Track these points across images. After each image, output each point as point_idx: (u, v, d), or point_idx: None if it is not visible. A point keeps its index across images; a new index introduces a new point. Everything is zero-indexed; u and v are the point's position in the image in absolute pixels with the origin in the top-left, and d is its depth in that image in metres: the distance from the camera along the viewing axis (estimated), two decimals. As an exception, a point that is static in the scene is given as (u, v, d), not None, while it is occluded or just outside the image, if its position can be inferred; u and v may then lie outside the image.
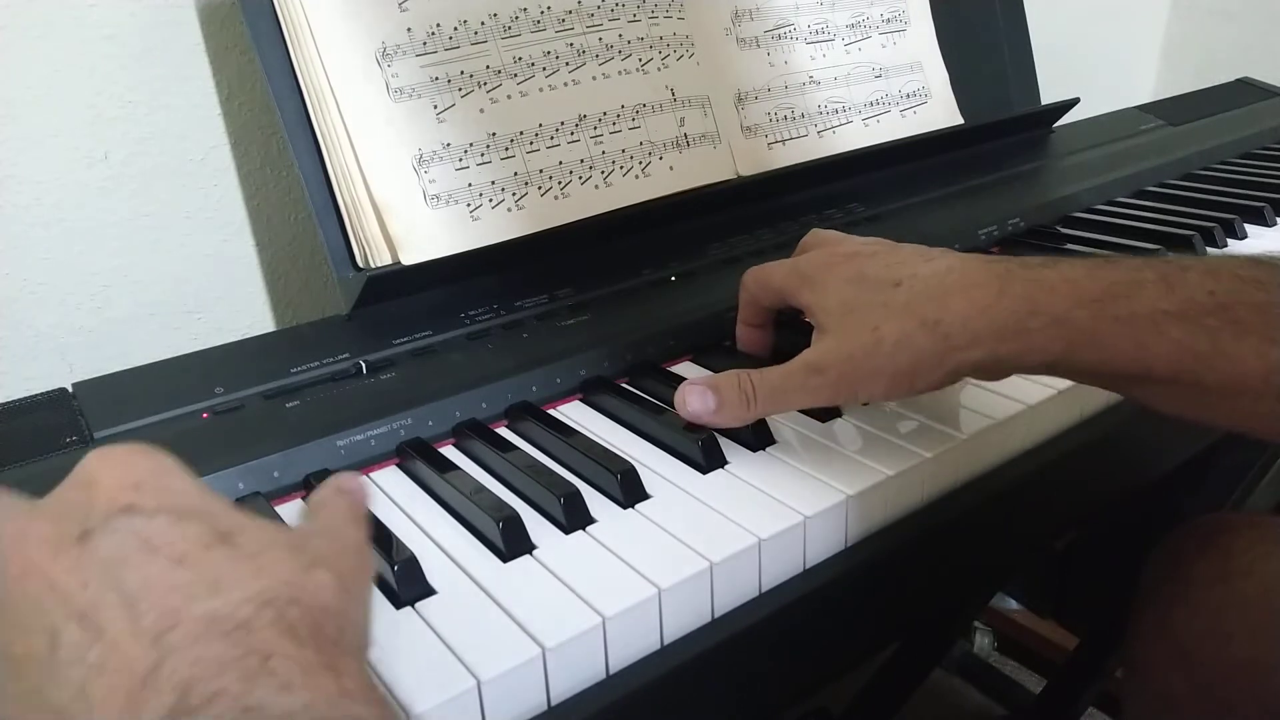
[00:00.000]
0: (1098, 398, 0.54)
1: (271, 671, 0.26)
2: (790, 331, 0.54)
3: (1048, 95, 0.96)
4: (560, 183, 0.65)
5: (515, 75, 0.64)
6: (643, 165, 0.69)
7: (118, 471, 0.31)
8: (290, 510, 0.46)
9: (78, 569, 0.28)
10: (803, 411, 0.51)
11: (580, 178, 0.66)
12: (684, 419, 0.48)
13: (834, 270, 0.48)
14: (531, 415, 0.52)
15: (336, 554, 0.32)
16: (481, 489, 0.45)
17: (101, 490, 0.30)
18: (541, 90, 0.65)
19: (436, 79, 0.62)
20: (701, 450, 0.47)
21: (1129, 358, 0.42)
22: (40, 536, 0.29)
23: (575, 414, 0.53)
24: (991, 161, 0.88)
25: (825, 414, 0.51)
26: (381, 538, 0.41)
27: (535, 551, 0.41)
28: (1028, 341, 0.43)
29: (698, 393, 0.47)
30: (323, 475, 0.47)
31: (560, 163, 0.65)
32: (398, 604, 0.39)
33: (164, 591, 0.28)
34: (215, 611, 0.27)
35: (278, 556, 0.30)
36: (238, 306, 0.72)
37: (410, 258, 0.59)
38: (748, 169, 0.74)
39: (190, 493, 0.31)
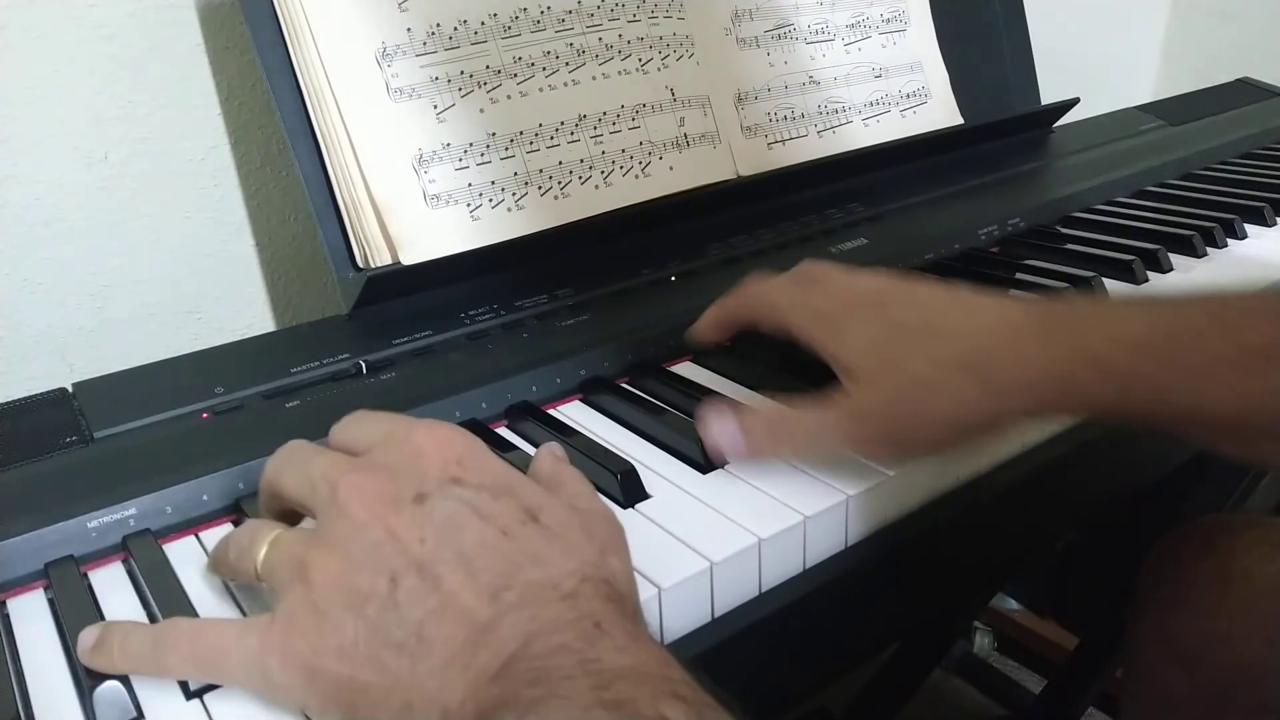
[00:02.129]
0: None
1: (606, 633, 0.31)
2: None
3: (1048, 95, 0.96)
4: (560, 183, 0.65)
5: (515, 75, 0.64)
6: (643, 165, 0.69)
7: (443, 446, 0.36)
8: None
9: (416, 525, 0.33)
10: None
11: (580, 178, 0.66)
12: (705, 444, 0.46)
13: (856, 313, 0.46)
14: (531, 415, 0.52)
15: (614, 539, 0.36)
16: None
17: (430, 460, 0.35)
18: (541, 90, 0.65)
19: (436, 79, 0.62)
20: (701, 450, 0.47)
21: (1184, 405, 0.40)
22: (381, 491, 0.34)
23: (575, 414, 0.53)
24: (991, 161, 0.88)
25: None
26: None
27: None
28: (1080, 392, 0.42)
29: (727, 431, 0.45)
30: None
31: (560, 163, 0.65)
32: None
33: (496, 557, 0.32)
34: (544, 579, 0.32)
35: (578, 539, 0.34)
36: (238, 306, 0.72)
37: (410, 258, 0.59)
38: (748, 169, 0.74)
39: (501, 472, 0.36)
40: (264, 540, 0.35)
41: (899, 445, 0.44)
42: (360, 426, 0.39)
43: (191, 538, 0.45)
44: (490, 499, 0.34)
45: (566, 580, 0.32)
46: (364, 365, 0.54)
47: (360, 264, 0.60)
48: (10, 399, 0.52)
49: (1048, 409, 0.43)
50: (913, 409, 0.43)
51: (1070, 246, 0.72)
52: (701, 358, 0.59)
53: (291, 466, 0.37)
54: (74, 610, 0.39)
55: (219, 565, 0.39)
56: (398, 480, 0.34)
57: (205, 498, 0.45)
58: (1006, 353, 0.43)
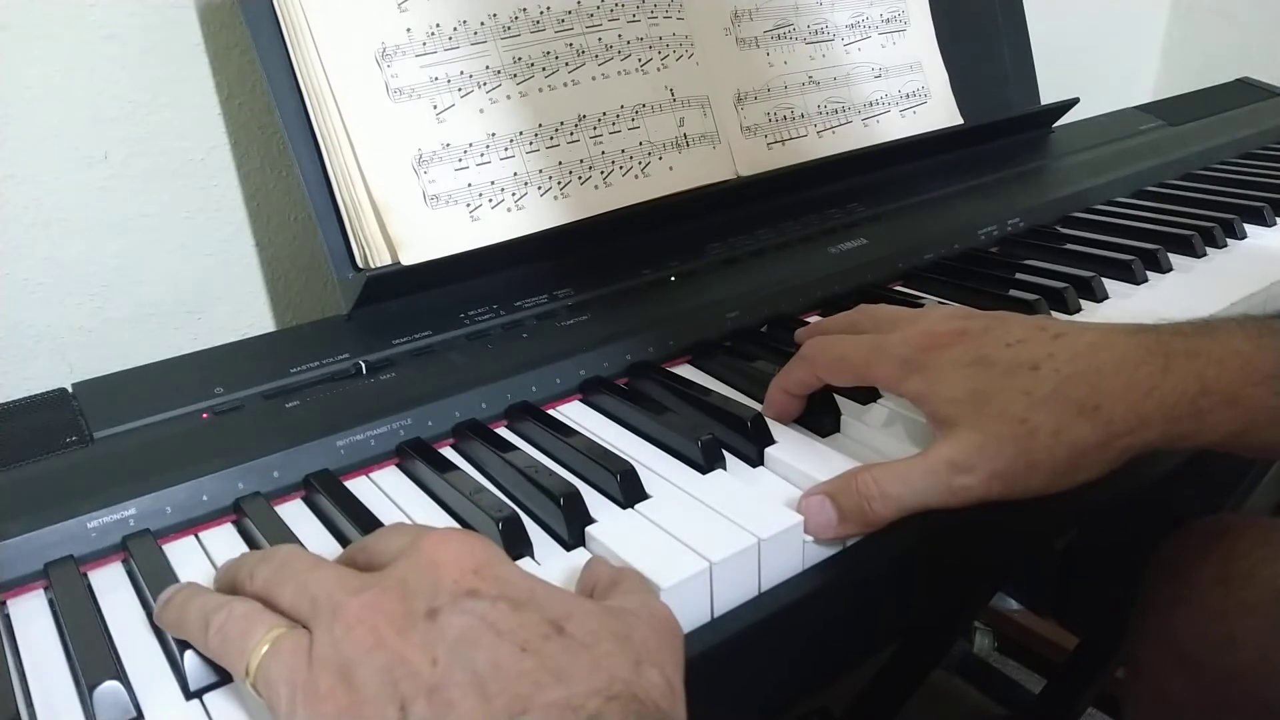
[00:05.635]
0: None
1: None
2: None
3: (1048, 95, 0.96)
4: (560, 183, 0.65)
5: (515, 75, 0.64)
6: (642, 165, 0.69)
7: (457, 556, 0.33)
8: (290, 510, 0.46)
9: (427, 645, 0.30)
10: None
11: (580, 178, 0.66)
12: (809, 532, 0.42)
13: (944, 354, 0.44)
14: (531, 415, 0.52)
15: (658, 645, 0.32)
16: (481, 489, 0.45)
17: (444, 571, 0.32)
18: (541, 90, 0.65)
19: (436, 79, 0.62)
20: (701, 450, 0.47)
21: None
22: (389, 612, 0.31)
23: (575, 414, 0.53)
24: (991, 161, 0.88)
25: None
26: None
27: (534, 552, 0.41)
28: (1201, 422, 0.40)
29: (817, 505, 0.42)
30: (323, 475, 0.47)
31: (560, 163, 0.65)
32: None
33: (512, 676, 0.29)
34: (565, 700, 0.29)
35: (609, 649, 0.31)
36: (238, 306, 0.72)
37: (410, 258, 0.59)
38: (747, 169, 0.74)
39: (520, 581, 0.33)
40: (261, 639, 0.32)
41: (1007, 493, 0.41)
42: (377, 542, 0.36)
43: (191, 538, 0.45)
44: (509, 611, 0.31)
45: (591, 700, 0.29)
46: (364, 365, 0.54)
47: (360, 264, 0.60)
48: (10, 399, 0.52)
49: (1169, 443, 0.41)
50: (1020, 453, 0.40)
51: (1070, 246, 0.72)
52: (701, 358, 0.59)
53: (289, 579, 0.33)
54: (74, 610, 0.39)
55: (186, 633, 0.35)
56: (408, 596, 0.31)
57: (205, 498, 0.45)
58: (1119, 384, 0.40)
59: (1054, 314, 0.61)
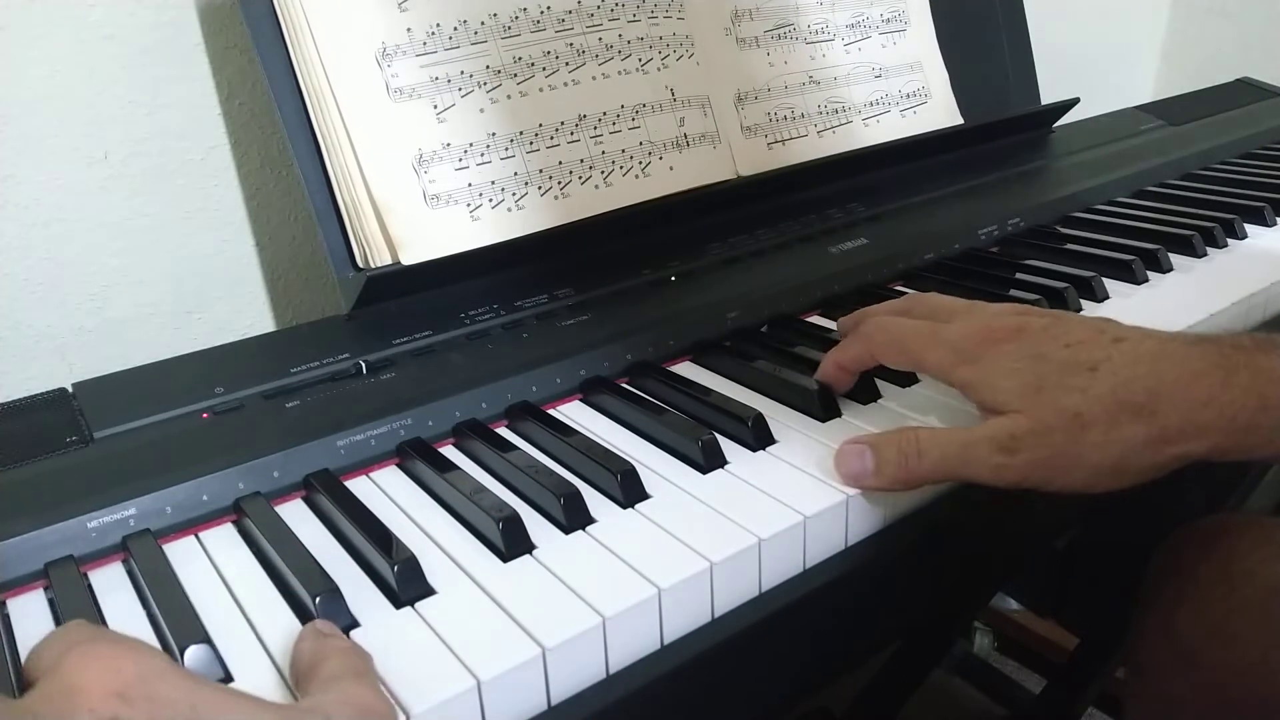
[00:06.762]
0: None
1: None
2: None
3: (1048, 95, 0.96)
4: (560, 183, 0.65)
5: (515, 75, 0.64)
6: (643, 165, 0.69)
7: (100, 676, 0.27)
8: (290, 510, 0.46)
9: None
10: (802, 411, 0.51)
11: (580, 178, 0.66)
12: (841, 479, 0.44)
13: (1000, 347, 0.44)
14: (531, 415, 0.52)
15: None
16: (481, 489, 0.45)
17: (83, 700, 0.26)
18: (541, 90, 0.65)
19: (436, 79, 0.62)
20: (701, 450, 0.47)
21: None
22: None
23: (575, 414, 0.53)
24: (991, 161, 0.88)
25: (825, 413, 0.51)
26: (381, 537, 0.41)
27: (535, 551, 0.41)
28: (1257, 437, 0.40)
29: (855, 453, 0.43)
30: (323, 475, 0.47)
31: (560, 163, 0.65)
32: (397, 604, 0.39)
33: None
34: None
35: None
36: (238, 306, 0.72)
37: (410, 258, 0.59)
38: (747, 169, 0.74)
39: (178, 700, 0.27)
40: None
41: (1046, 482, 0.42)
42: (40, 646, 0.30)
43: (191, 538, 0.45)
44: None
45: None
46: (364, 365, 0.54)
47: (360, 264, 0.60)
48: (10, 399, 0.52)
49: (1219, 456, 0.41)
50: (1068, 445, 0.41)
51: (1070, 246, 0.72)
52: (701, 357, 0.59)
53: None
54: (74, 610, 0.39)
55: None
56: None
57: (205, 498, 0.45)
58: (1177, 392, 0.40)
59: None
